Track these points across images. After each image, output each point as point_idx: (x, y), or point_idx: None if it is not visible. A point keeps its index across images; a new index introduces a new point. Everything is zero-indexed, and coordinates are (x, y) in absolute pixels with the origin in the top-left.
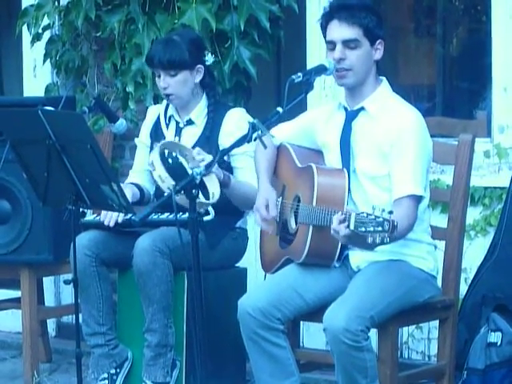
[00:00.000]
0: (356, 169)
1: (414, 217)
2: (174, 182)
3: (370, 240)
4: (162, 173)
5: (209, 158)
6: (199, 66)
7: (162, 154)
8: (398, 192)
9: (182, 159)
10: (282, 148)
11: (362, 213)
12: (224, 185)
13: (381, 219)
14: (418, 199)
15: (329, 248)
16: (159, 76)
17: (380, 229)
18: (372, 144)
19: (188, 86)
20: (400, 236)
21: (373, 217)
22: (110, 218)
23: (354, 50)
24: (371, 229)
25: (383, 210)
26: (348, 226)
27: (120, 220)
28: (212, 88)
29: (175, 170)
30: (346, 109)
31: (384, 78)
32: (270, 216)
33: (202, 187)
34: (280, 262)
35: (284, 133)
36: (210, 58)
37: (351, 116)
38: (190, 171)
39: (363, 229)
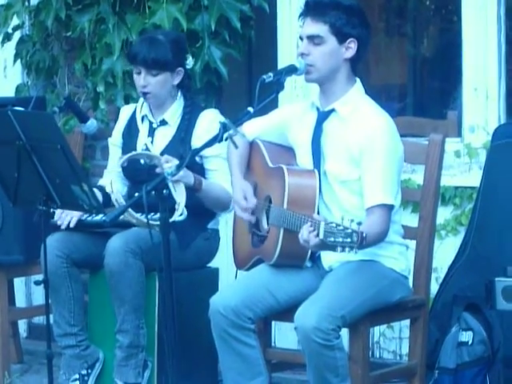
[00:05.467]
0: (326, 171)
1: (385, 225)
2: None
3: (338, 250)
4: (119, 198)
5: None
6: (180, 68)
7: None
8: (369, 201)
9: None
10: (254, 145)
11: (331, 222)
12: (195, 189)
13: (349, 231)
14: (389, 208)
15: (300, 250)
16: (139, 73)
17: (349, 240)
18: (342, 148)
19: (166, 87)
20: (371, 244)
21: (341, 228)
22: (63, 219)
23: (318, 46)
24: (340, 240)
25: (352, 221)
26: (317, 235)
27: (75, 221)
28: (189, 90)
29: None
30: (318, 109)
31: (358, 79)
32: (250, 204)
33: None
34: (252, 260)
35: (256, 128)
36: (190, 62)
37: (322, 117)
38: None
39: (332, 239)
